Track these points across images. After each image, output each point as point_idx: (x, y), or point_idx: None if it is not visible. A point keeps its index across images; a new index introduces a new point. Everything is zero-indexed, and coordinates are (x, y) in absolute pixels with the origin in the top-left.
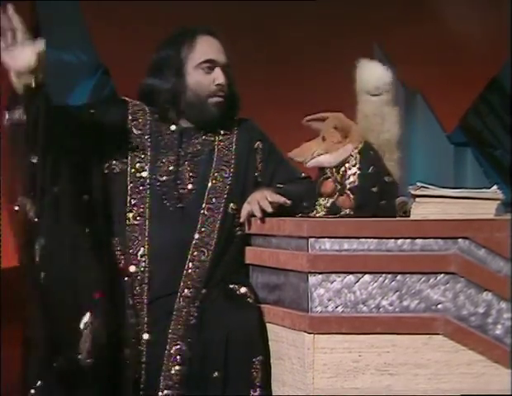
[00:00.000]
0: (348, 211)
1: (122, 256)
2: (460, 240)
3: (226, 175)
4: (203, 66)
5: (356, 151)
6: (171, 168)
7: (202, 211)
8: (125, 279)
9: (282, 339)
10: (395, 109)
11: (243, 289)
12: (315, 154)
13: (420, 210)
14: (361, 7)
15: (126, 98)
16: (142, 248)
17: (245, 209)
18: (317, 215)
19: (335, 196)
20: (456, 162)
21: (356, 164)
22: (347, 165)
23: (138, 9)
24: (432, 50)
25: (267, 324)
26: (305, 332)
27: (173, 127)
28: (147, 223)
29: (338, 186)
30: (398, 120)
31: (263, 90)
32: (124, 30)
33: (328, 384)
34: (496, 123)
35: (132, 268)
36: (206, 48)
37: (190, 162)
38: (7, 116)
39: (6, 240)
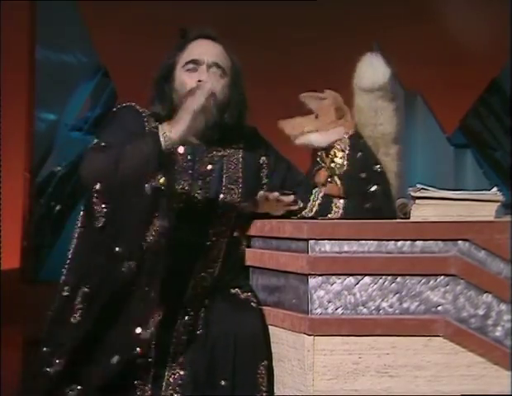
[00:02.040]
0: (338, 202)
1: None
2: (460, 242)
3: (235, 196)
4: (188, 67)
5: (346, 136)
6: (184, 197)
7: (210, 237)
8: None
9: (282, 341)
10: (391, 104)
11: (245, 294)
12: (306, 130)
13: (420, 212)
14: (361, 8)
15: (138, 107)
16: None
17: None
18: (310, 213)
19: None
20: (456, 164)
21: (345, 149)
22: (336, 149)
23: (138, 10)
24: (432, 52)
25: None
26: (305, 333)
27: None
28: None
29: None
30: (393, 115)
31: (263, 92)
32: (124, 31)
33: (328, 385)
34: (496, 124)
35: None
36: (194, 49)
37: (202, 185)
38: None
39: (6, 242)
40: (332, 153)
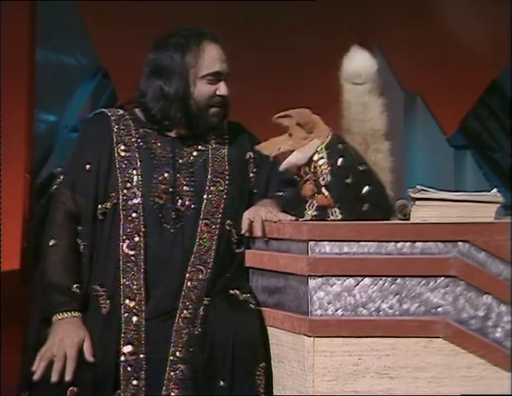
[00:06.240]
0: (334, 211)
1: (108, 302)
2: (460, 243)
3: (222, 188)
4: (209, 78)
5: (322, 146)
6: (166, 187)
7: (199, 228)
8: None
9: (281, 342)
10: (379, 98)
11: (244, 295)
12: (281, 150)
13: (420, 213)
14: (361, 10)
15: (107, 112)
16: (136, 282)
17: (246, 220)
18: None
19: (315, 197)
20: (456, 165)
21: (324, 159)
22: (318, 162)
23: (138, 12)
24: (432, 53)
25: (267, 327)
26: (305, 335)
27: (163, 139)
28: (142, 253)
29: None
30: (382, 111)
31: (261, 92)
32: (124, 33)
33: (328, 387)
34: (496, 126)
35: (129, 302)
36: (212, 58)
37: (185, 175)
38: None
39: (6, 243)
40: (312, 166)
